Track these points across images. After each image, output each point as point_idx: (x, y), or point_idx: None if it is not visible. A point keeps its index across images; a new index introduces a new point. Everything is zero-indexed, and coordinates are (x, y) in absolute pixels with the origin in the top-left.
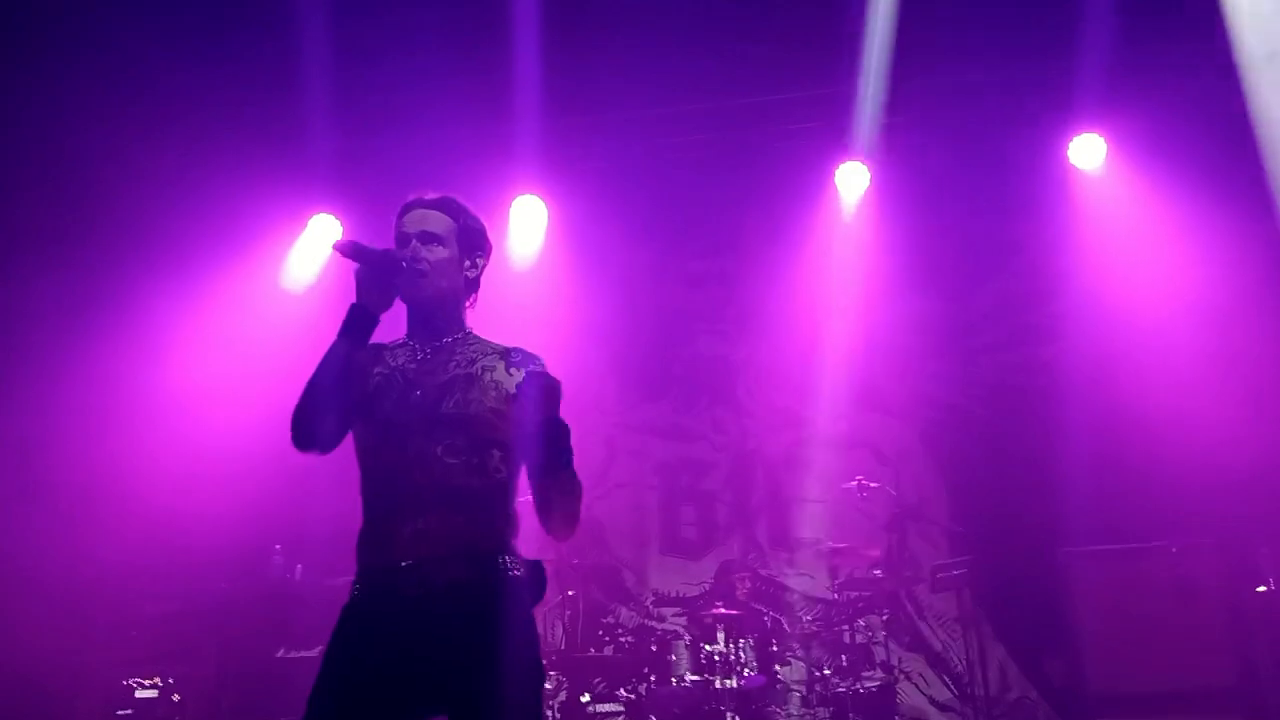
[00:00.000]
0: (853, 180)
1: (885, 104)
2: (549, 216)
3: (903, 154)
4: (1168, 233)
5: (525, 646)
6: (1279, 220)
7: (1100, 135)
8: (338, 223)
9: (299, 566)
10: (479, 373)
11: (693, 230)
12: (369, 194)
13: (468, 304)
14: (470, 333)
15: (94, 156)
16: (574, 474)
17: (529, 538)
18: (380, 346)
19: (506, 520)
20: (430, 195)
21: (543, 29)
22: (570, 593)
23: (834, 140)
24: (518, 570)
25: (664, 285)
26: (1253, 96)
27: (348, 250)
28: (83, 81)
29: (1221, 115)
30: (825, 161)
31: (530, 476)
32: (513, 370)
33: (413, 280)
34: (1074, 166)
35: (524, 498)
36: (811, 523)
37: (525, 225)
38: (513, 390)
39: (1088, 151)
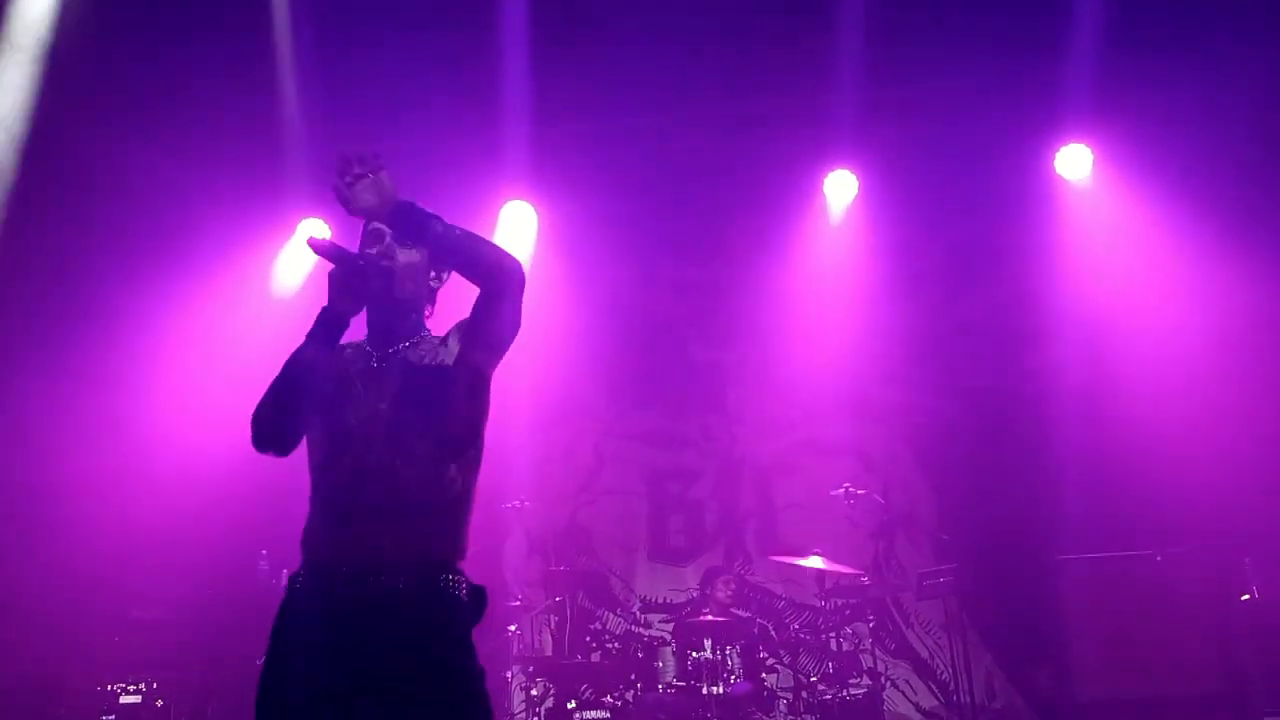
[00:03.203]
0: (840, 188)
1: (873, 112)
2: (538, 223)
3: (890, 162)
4: (1154, 243)
5: (457, 664)
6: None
7: (1087, 146)
8: (326, 227)
9: (285, 572)
10: (429, 367)
11: (682, 238)
12: None
13: (426, 315)
14: (425, 336)
15: (79, 162)
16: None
17: (525, 543)
18: (339, 347)
19: (454, 539)
20: None
21: (532, 36)
22: (558, 599)
23: (822, 148)
24: (459, 590)
25: (653, 292)
26: None
27: (326, 250)
28: (67, 86)
29: (1207, 126)
30: (813, 169)
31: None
32: (450, 342)
33: (383, 275)
34: (1061, 176)
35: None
36: (799, 530)
37: (515, 231)
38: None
39: (1074, 162)
